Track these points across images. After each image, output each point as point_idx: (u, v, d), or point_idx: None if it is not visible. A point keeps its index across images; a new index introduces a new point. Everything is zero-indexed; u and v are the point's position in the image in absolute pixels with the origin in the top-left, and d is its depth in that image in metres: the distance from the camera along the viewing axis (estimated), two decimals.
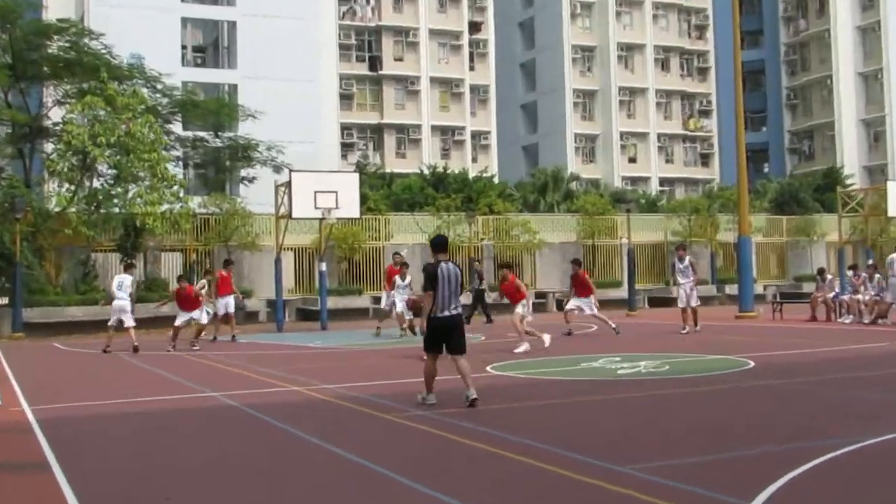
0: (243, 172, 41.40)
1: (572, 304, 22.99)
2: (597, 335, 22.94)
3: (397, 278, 22.48)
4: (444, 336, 11.25)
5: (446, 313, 11.20)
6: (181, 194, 31.32)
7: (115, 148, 29.90)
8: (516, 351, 17.93)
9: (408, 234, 36.52)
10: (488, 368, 15.32)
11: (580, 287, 22.94)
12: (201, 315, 21.93)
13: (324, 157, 52.20)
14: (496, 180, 55.78)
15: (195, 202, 34.06)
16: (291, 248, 34.65)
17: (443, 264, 11.31)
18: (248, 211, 34.71)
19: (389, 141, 63.46)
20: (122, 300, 21.28)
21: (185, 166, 45.59)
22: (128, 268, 22.72)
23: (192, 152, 41.78)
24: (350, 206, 27.92)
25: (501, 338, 22.76)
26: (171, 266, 34.16)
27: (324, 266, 29.90)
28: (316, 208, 27.34)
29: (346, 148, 62.10)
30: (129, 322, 21.39)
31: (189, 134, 40.80)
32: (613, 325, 22.48)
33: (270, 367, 16.83)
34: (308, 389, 13.29)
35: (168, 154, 33.26)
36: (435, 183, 49.30)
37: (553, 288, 38.65)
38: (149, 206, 29.67)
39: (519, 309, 18.76)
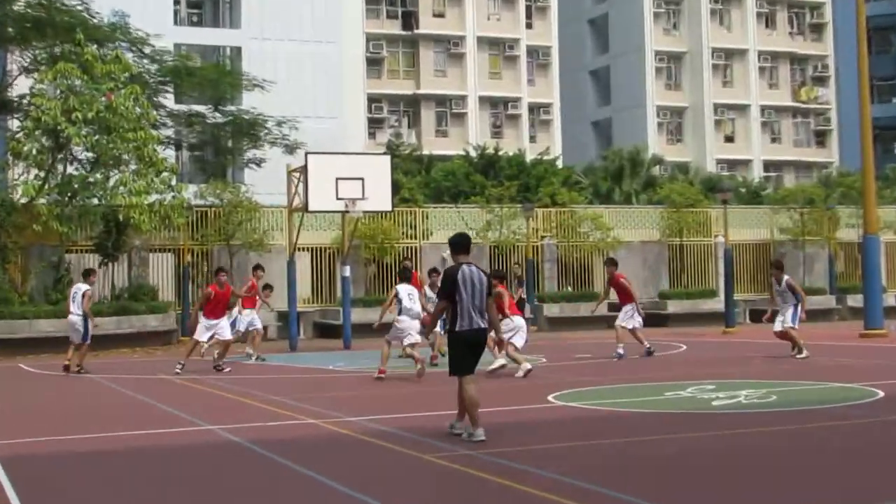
0: (249, 155, 41.57)
1: (633, 321, 22.75)
2: (684, 357, 22.76)
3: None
4: (469, 352, 11.49)
5: (470, 326, 11.41)
6: (173, 182, 31.50)
7: (93, 125, 30.14)
8: (518, 375, 18.39)
9: (450, 230, 36.41)
10: (550, 398, 15.25)
11: (620, 293, 22.87)
12: (229, 328, 22.13)
13: (347, 135, 52.40)
14: (560, 164, 55.59)
15: (190, 192, 34.29)
16: (307, 249, 34.76)
17: (465, 267, 11.59)
18: (255, 202, 34.89)
19: (427, 116, 63.52)
20: (74, 315, 21.75)
21: (179, 148, 45.87)
22: (87, 275, 22.86)
23: (186, 131, 42.05)
24: (380, 197, 27.92)
25: (566, 359, 22.68)
26: (160, 269, 34.41)
27: (347, 270, 29.95)
28: (338, 199, 27.38)
29: (375, 125, 62.27)
30: (75, 339, 21.74)
31: (183, 108, 41.06)
32: (621, 351, 22.19)
33: (281, 394, 16.87)
34: (328, 422, 13.29)
35: (158, 133, 33.49)
36: (484, 167, 49.25)
37: None
38: (134, 197, 29.87)
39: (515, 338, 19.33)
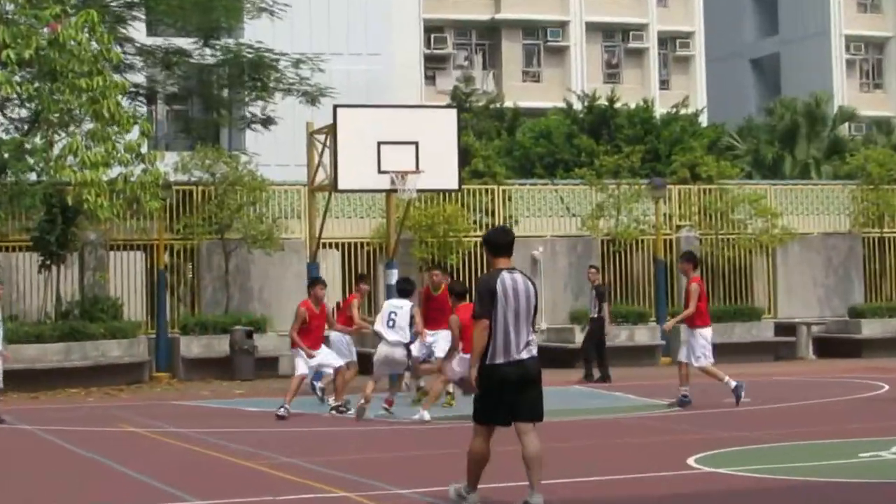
0: (252, 109, 41.77)
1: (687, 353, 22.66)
2: (887, 401, 22.59)
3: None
4: (509, 395, 11.77)
5: (507, 358, 11.68)
6: (144, 149, 31.67)
7: (31, 68, 30.46)
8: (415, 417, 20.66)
9: (544, 217, 36.46)
10: (691, 461, 15.20)
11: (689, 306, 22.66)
12: (334, 354, 23.32)
13: (395, 80, 52.50)
14: (704, 121, 55.31)
15: (168, 163, 34.46)
16: (337, 245, 34.84)
17: (505, 274, 11.76)
18: (261, 178, 34.98)
19: (511, 52, 63.57)
20: None
21: (152, 100, 46.24)
22: None
23: (163, 75, 42.35)
24: (441, 170, 27.94)
25: (712, 406, 22.58)
26: (126, 275, 34.48)
27: (395, 276, 29.96)
28: (380, 173, 27.44)
29: (435, 64, 62.39)
30: None
31: (159, 42, 41.34)
32: (734, 384, 22.21)
33: (298, 454, 16.98)
34: (365, 496, 13.33)
35: (122, 79, 33.73)
36: (594, 126, 49.12)
37: (809, 315, 38.06)
38: (88, 171, 30.04)
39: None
